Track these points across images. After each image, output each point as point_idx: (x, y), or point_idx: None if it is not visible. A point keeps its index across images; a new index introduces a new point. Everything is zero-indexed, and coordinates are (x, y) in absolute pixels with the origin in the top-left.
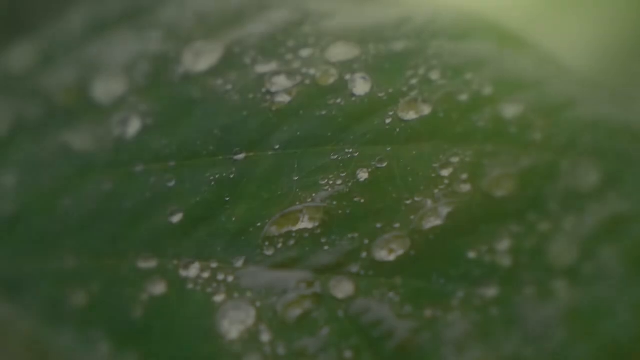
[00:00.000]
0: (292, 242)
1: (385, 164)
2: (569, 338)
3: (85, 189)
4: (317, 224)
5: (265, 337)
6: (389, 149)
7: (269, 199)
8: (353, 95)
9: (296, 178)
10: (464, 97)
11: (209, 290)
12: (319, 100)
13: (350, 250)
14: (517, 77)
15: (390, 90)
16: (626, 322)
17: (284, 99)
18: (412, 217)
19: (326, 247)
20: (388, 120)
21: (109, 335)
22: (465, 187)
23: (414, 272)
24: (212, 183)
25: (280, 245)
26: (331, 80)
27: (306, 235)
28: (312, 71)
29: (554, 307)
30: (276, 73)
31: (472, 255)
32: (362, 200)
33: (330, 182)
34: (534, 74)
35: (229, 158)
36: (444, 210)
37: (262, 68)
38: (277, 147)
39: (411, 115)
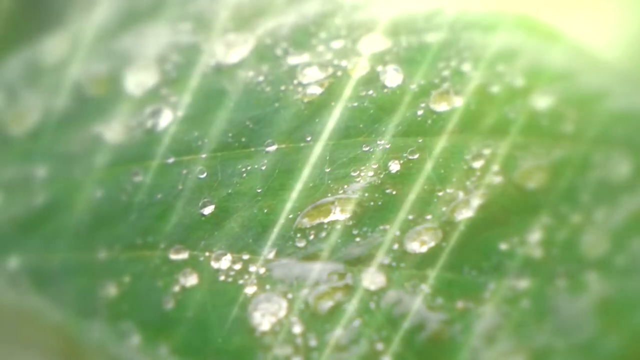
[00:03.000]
0: (323, 234)
1: (417, 156)
2: (600, 330)
3: (116, 180)
4: (348, 215)
5: (297, 328)
6: (420, 140)
7: (301, 191)
8: (385, 86)
9: (328, 170)
10: (495, 89)
11: (241, 282)
12: (351, 91)
13: (381, 241)
14: (549, 68)
15: (422, 82)
16: None
17: (315, 90)
18: (443, 208)
19: (358, 239)
20: (420, 112)
21: (140, 327)
22: (497, 179)
23: (445, 263)
24: (244, 175)
25: (312, 237)
26: (363, 72)
27: (338, 226)
28: (344, 63)
29: (585, 298)
30: (308, 65)
31: (503, 247)
32: (394, 192)
33: (362, 174)
34: (565, 65)
35: (261, 150)
36: (476, 202)
37: (294, 60)
38: (308, 138)
39: (443, 107)
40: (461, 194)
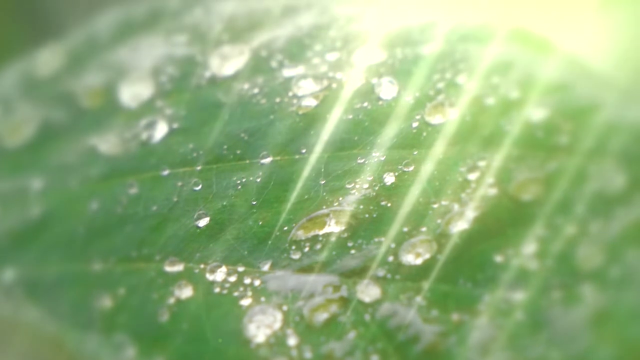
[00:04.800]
0: (318, 246)
1: (412, 168)
2: (595, 342)
3: (111, 192)
4: (343, 227)
5: (292, 341)
6: (415, 152)
7: (296, 203)
8: (380, 99)
9: (323, 182)
10: (490, 101)
11: (236, 294)
12: (346, 104)
13: (377, 254)
14: (543, 80)
15: (417, 94)
16: None
17: (310, 102)
18: (438, 221)
19: (353, 251)
20: (415, 124)
21: (135, 339)
22: (492, 191)
23: (440, 276)
24: (239, 187)
25: (307, 249)
26: (358, 84)
27: (333, 239)
28: (339, 75)
29: (580, 310)
30: (303, 77)
31: (498, 259)
32: (389, 204)
33: (357, 186)
34: (560, 77)
35: (256, 162)
36: (471, 214)
37: (289, 72)
38: (303, 150)
39: (438, 119)
40: (456, 206)
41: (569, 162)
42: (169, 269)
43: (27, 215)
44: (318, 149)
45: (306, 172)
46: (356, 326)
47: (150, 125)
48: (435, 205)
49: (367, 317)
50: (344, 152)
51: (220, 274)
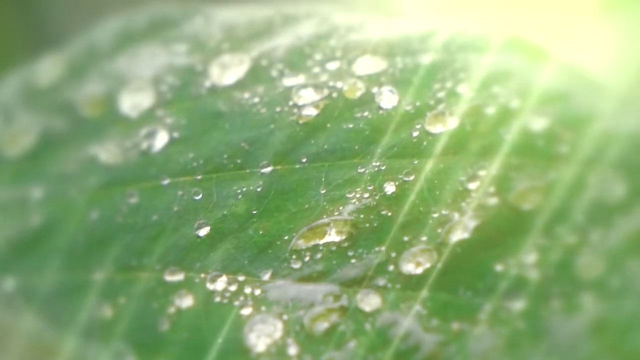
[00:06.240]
0: (319, 256)
1: (412, 177)
2: (595, 351)
3: (112, 202)
4: (344, 237)
5: (292, 350)
6: (416, 162)
7: (296, 212)
8: (380, 108)
9: (323, 191)
10: (491, 110)
11: (236, 303)
12: (346, 113)
13: (377, 263)
14: (543, 90)
15: (418, 104)
16: None
17: (311, 112)
18: (439, 230)
19: (353, 260)
20: (415, 134)
21: (135, 348)
22: (492, 200)
23: (441, 285)
24: (239, 196)
25: (307, 258)
26: (358, 94)
27: (333, 248)
28: (339, 84)
29: (580, 320)
30: (303, 86)
31: (499, 268)
32: (389, 214)
33: (358, 195)
34: (560, 86)
35: (256, 171)
36: (471, 223)
37: (289, 81)
38: (304, 160)
39: (438, 129)
40: (456, 216)
41: (569, 171)
42: (169, 278)
43: (27, 224)
44: (318, 158)
45: (306, 181)
46: (356, 335)
47: (151, 135)
48: (436, 215)
49: (368, 326)
50: (344, 161)
51: (220, 284)
